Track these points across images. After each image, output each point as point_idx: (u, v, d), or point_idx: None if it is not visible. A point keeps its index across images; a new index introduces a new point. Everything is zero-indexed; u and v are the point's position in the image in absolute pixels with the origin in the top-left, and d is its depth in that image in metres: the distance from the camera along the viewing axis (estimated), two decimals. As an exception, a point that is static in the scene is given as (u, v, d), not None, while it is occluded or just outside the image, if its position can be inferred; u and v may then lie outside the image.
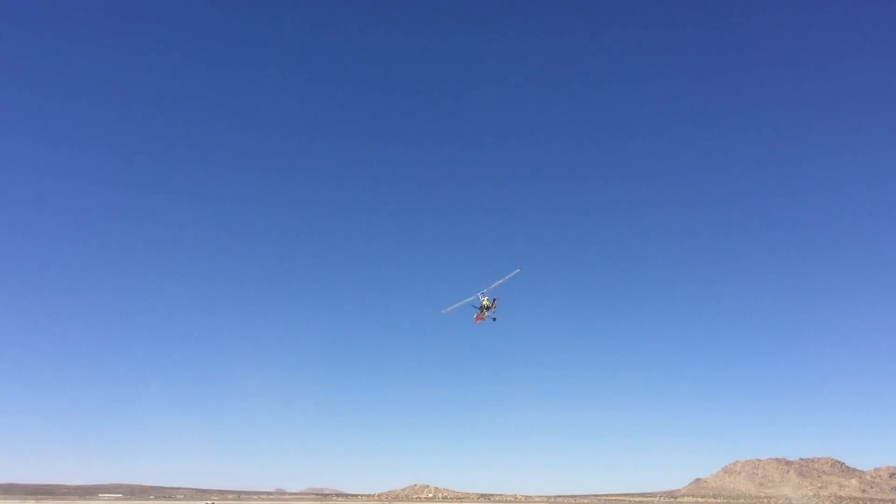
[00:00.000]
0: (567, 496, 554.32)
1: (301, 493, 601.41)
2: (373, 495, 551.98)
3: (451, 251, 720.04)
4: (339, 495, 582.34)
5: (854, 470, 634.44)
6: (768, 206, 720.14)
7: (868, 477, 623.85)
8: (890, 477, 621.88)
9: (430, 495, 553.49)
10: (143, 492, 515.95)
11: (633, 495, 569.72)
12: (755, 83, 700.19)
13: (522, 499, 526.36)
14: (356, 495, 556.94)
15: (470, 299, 57.06)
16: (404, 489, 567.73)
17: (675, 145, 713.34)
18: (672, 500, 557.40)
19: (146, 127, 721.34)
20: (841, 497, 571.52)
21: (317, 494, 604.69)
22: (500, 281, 55.81)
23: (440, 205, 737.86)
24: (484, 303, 57.24)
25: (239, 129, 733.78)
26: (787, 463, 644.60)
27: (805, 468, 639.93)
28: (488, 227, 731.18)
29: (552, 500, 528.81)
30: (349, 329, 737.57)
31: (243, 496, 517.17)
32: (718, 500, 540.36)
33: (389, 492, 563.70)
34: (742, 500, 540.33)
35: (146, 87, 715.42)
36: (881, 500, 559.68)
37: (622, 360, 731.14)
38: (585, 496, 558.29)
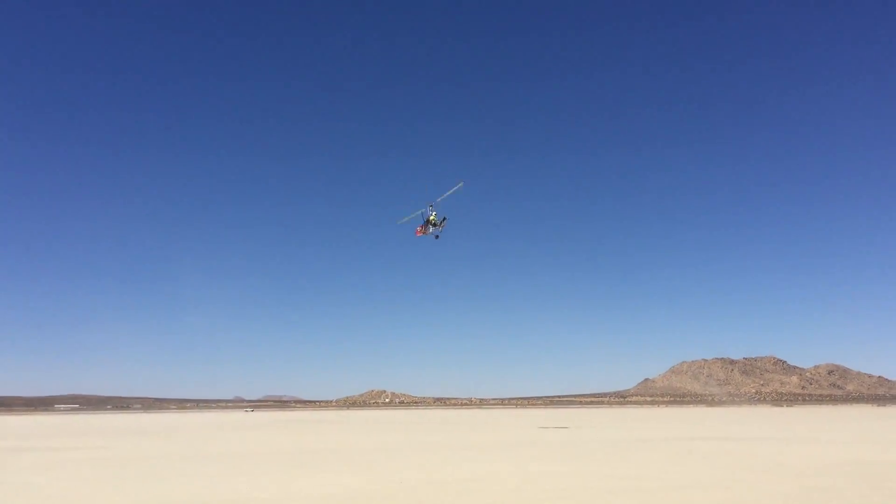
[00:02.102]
0: (521, 398, 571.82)
1: (259, 401, 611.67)
2: (331, 401, 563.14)
3: (405, 156, 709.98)
4: (297, 402, 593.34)
5: (795, 368, 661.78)
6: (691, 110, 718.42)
7: (808, 374, 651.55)
8: (828, 374, 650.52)
9: (386, 400, 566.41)
10: (100, 402, 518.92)
11: (584, 396, 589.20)
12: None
13: (477, 402, 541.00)
14: (314, 401, 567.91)
15: (421, 211, 54.87)
16: (361, 395, 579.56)
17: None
18: (622, 399, 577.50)
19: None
20: (782, 393, 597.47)
21: (276, 401, 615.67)
22: (445, 195, 53.95)
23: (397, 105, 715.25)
24: (431, 218, 54.32)
25: None
26: (732, 362, 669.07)
27: (748, 367, 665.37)
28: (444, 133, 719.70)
29: (506, 401, 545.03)
30: (303, 236, 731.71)
31: (202, 404, 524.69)
32: (664, 398, 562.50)
33: (347, 398, 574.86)
34: (687, 398, 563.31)
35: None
36: (819, 395, 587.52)
37: (571, 265, 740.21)
38: (539, 398, 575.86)
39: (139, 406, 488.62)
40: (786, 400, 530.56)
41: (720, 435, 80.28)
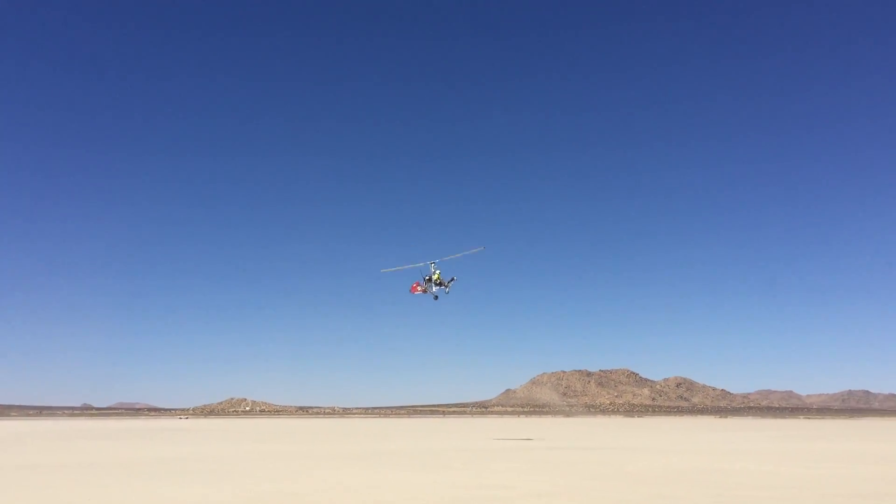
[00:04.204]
0: (384, 407, 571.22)
1: (110, 408, 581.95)
2: (188, 409, 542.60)
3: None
4: (151, 410, 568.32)
5: (646, 380, 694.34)
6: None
7: (658, 387, 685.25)
8: (676, 386, 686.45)
9: (247, 409, 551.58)
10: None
11: (447, 405, 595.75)
12: None
13: (340, 411, 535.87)
14: (170, 409, 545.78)
15: (419, 265, 48.60)
16: (220, 403, 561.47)
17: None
18: (483, 409, 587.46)
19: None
20: (634, 404, 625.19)
21: (127, 409, 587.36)
22: (457, 255, 48.75)
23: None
24: (434, 277, 48.70)
25: None
26: (588, 374, 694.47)
27: (604, 378, 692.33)
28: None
29: (370, 411, 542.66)
30: (162, 236, 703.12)
31: (45, 412, 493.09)
32: (525, 409, 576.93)
33: (205, 406, 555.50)
34: (546, 408, 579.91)
35: None
36: (668, 406, 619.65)
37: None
38: (402, 407, 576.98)
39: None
40: (637, 411, 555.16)
41: (574, 445, 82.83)
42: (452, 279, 53.32)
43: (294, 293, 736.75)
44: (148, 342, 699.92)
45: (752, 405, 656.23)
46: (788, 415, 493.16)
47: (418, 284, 53.36)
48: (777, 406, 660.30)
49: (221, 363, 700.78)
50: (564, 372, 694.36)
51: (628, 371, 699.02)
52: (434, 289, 53.06)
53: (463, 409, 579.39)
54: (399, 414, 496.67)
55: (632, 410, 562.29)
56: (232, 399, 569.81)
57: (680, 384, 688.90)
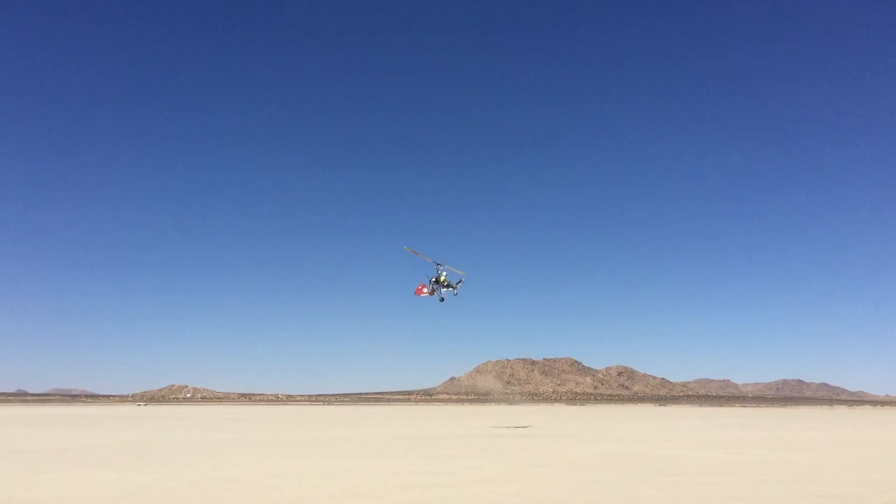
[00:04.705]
0: (328, 395, 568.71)
1: (46, 395, 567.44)
2: (126, 396, 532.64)
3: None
4: (88, 396, 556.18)
5: (589, 369, 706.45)
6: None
7: (600, 375, 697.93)
8: (618, 375, 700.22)
9: (188, 395, 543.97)
10: None
11: (392, 393, 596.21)
12: None
13: (284, 398, 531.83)
14: (108, 396, 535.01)
15: (435, 263, 46.76)
16: (161, 390, 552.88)
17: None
18: (428, 396, 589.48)
19: None
20: (577, 392, 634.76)
21: (63, 395, 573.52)
22: (450, 267, 47.40)
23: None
24: (442, 278, 46.82)
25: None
26: (533, 363, 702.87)
27: (548, 367, 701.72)
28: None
29: (313, 398, 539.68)
30: (90, 216, 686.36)
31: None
32: (469, 396, 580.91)
33: (145, 392, 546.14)
34: (490, 396, 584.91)
35: None
36: (609, 394, 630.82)
37: (381, 264, 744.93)
38: (347, 395, 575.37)
39: None
40: (580, 399, 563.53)
41: (517, 432, 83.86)
42: (461, 280, 51.63)
43: (236, 279, 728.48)
44: (85, 327, 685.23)
45: (690, 393, 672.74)
46: (725, 403, 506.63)
47: (424, 286, 51.57)
48: (714, 394, 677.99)
49: (162, 349, 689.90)
50: (509, 360, 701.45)
51: (571, 360, 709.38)
52: (442, 291, 51.44)
53: (408, 396, 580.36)
54: (344, 401, 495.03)
55: (574, 398, 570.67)
56: (173, 386, 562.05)
57: (621, 373, 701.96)
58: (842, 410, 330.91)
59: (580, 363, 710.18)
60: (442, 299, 51.68)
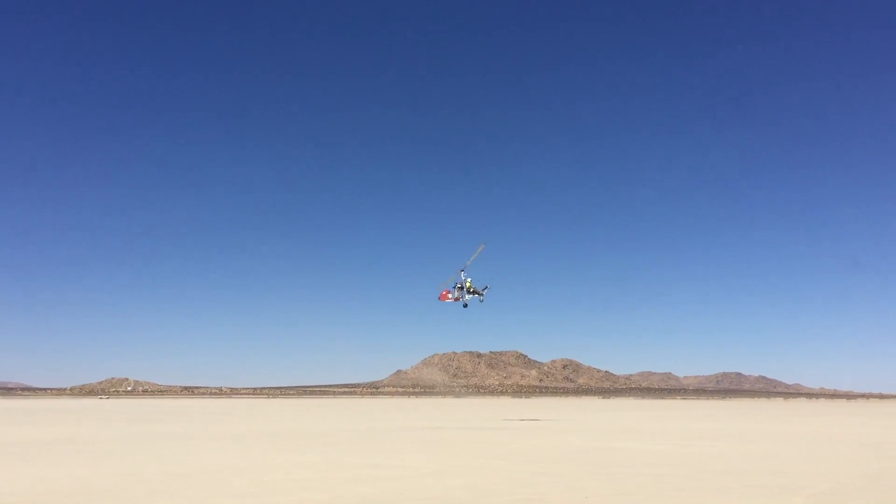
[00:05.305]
0: (273, 388, 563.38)
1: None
2: (65, 389, 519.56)
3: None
4: (24, 389, 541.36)
5: (534, 362, 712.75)
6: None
7: (546, 368, 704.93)
8: (563, 368, 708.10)
9: (129, 388, 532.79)
10: None
11: (338, 386, 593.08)
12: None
13: (228, 391, 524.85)
14: (45, 389, 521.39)
15: (460, 273, 46.30)
16: (100, 383, 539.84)
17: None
18: (374, 389, 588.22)
19: None
20: (522, 385, 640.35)
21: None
22: (471, 259, 46.54)
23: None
24: (467, 285, 46.43)
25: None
26: (479, 356, 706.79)
27: (494, 360, 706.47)
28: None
29: (258, 391, 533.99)
30: (25, 207, 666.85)
31: None
32: (415, 389, 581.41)
33: (84, 385, 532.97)
34: (436, 389, 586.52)
35: None
36: (555, 387, 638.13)
37: (325, 257, 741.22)
38: (292, 388, 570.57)
39: None
40: (525, 391, 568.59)
41: (463, 424, 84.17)
42: (486, 287, 51.26)
43: (178, 271, 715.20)
44: (20, 318, 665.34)
45: (633, 386, 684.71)
46: (667, 395, 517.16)
47: (449, 293, 51.21)
48: (657, 387, 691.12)
49: (101, 341, 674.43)
50: (455, 353, 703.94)
51: (517, 353, 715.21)
52: (467, 297, 51.19)
53: (353, 389, 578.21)
54: (289, 394, 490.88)
55: (520, 391, 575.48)
56: (113, 378, 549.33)
57: (566, 366, 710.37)
58: (778, 402, 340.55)
59: (526, 356, 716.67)
60: (465, 305, 51.50)
